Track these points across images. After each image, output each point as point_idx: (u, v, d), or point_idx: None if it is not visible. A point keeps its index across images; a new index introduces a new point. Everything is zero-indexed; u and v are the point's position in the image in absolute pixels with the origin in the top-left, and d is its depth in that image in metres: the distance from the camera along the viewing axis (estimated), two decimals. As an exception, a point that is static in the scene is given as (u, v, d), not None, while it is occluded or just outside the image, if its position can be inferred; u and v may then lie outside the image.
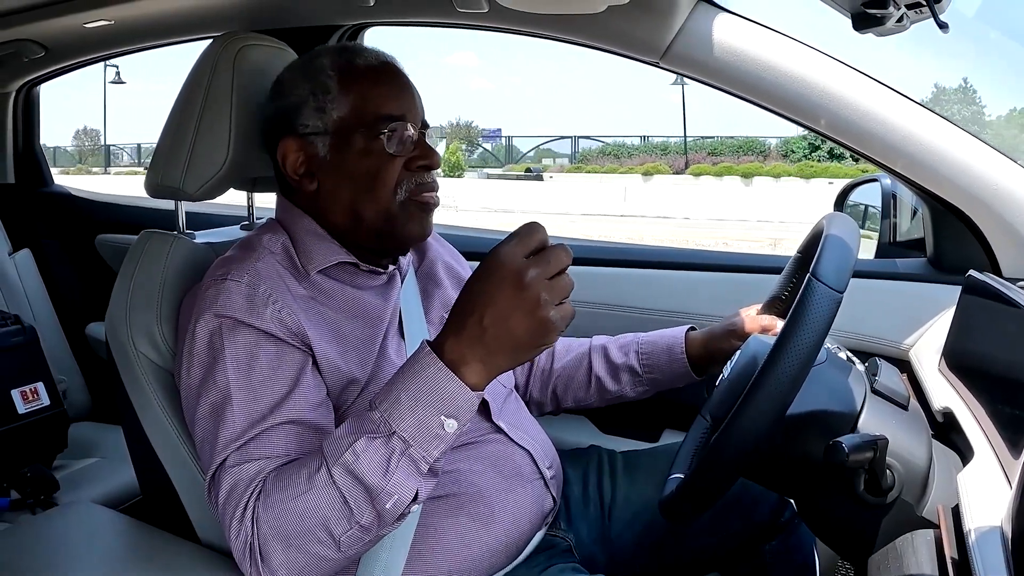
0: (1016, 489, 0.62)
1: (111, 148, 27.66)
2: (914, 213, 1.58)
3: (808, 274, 0.79)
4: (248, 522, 0.82)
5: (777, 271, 1.17)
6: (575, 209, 15.83)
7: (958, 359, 1.07)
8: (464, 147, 26.00)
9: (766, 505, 1.13)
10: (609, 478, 1.18)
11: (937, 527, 0.80)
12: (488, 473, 1.01)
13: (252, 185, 1.26)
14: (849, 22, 1.11)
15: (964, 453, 0.90)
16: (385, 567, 0.91)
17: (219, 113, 1.08)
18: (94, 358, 2.16)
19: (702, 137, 23.30)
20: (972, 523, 0.72)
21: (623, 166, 21.23)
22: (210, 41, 1.13)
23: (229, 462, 0.86)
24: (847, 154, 18.89)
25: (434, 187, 1.01)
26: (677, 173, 20.03)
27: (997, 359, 0.95)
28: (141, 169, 22.31)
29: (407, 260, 1.11)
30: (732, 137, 22.34)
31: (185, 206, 1.18)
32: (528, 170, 22.01)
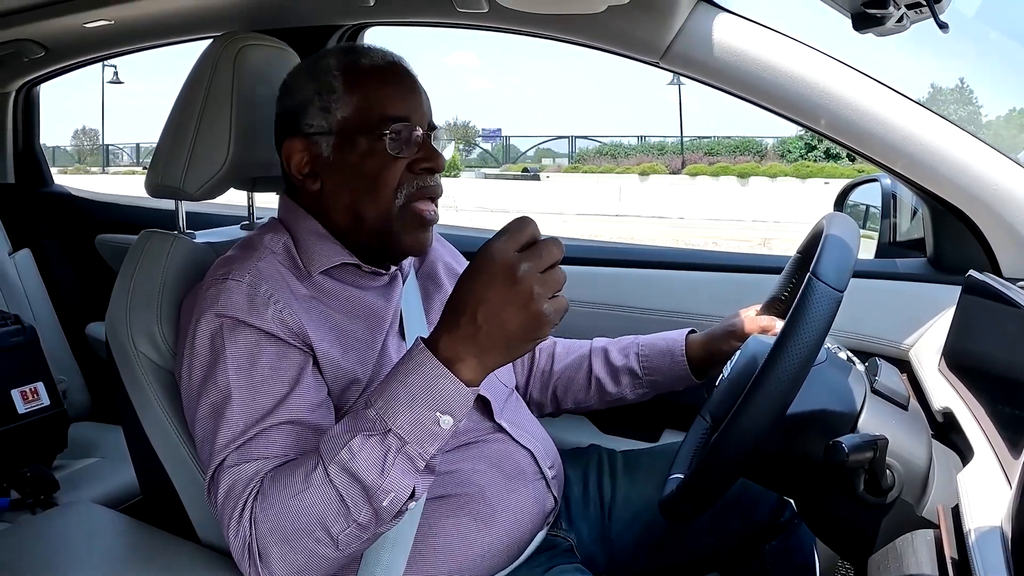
0: (1016, 489, 0.62)
1: (112, 148, 27.68)
2: (914, 213, 1.58)
3: (808, 273, 0.80)
4: (246, 522, 0.82)
5: (777, 271, 1.17)
6: (570, 209, 15.85)
7: (958, 359, 1.07)
8: (461, 147, 26.00)
9: (766, 505, 1.13)
10: (609, 478, 1.18)
11: (937, 527, 0.80)
12: (490, 473, 1.01)
13: (252, 185, 1.26)
14: (849, 22, 1.11)
15: (964, 453, 0.90)
16: (386, 567, 0.91)
17: (219, 113, 1.08)
18: (94, 358, 2.16)
19: (699, 137, 23.35)
20: (972, 523, 0.72)
21: (620, 166, 21.24)
22: (210, 41, 1.13)
23: (228, 462, 0.86)
24: (843, 154, 19.02)
25: (436, 192, 1.00)
26: (673, 173, 20.05)
27: (997, 359, 0.95)
28: (139, 169, 22.33)
29: (409, 261, 1.11)
30: (729, 137, 22.37)
31: (185, 206, 1.18)
32: (525, 170, 21.99)
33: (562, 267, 0.75)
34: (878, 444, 0.78)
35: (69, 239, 2.28)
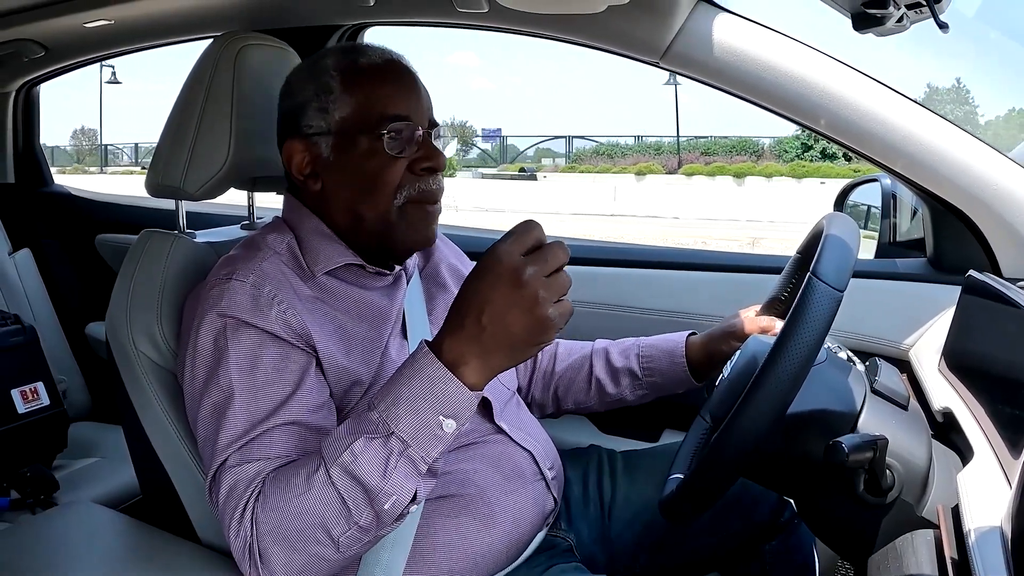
0: (1016, 489, 0.62)
1: (112, 148, 27.69)
2: (914, 213, 1.58)
3: (808, 273, 0.80)
4: (247, 522, 0.82)
5: (777, 271, 1.17)
6: (566, 209, 15.88)
7: (958, 359, 1.07)
8: (459, 147, 26.00)
9: (766, 505, 1.13)
10: (609, 478, 1.18)
11: (937, 527, 0.80)
12: (490, 474, 1.01)
13: (252, 185, 1.26)
14: (849, 22, 1.11)
15: (964, 453, 0.90)
16: (386, 567, 0.91)
17: (219, 113, 1.08)
18: (94, 358, 2.16)
19: (696, 137, 23.38)
20: (972, 523, 0.72)
21: (616, 166, 21.25)
22: (210, 41, 1.13)
23: (230, 462, 0.86)
24: (839, 154, 19.04)
25: (436, 195, 0.99)
26: (670, 173, 20.06)
27: (997, 359, 0.95)
28: (137, 169, 22.34)
29: (413, 261, 1.10)
30: (726, 137, 22.41)
31: (185, 206, 1.18)
32: (522, 170, 22.00)
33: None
34: (878, 444, 0.78)
35: (69, 239, 2.28)
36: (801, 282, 0.83)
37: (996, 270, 1.27)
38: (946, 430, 1.00)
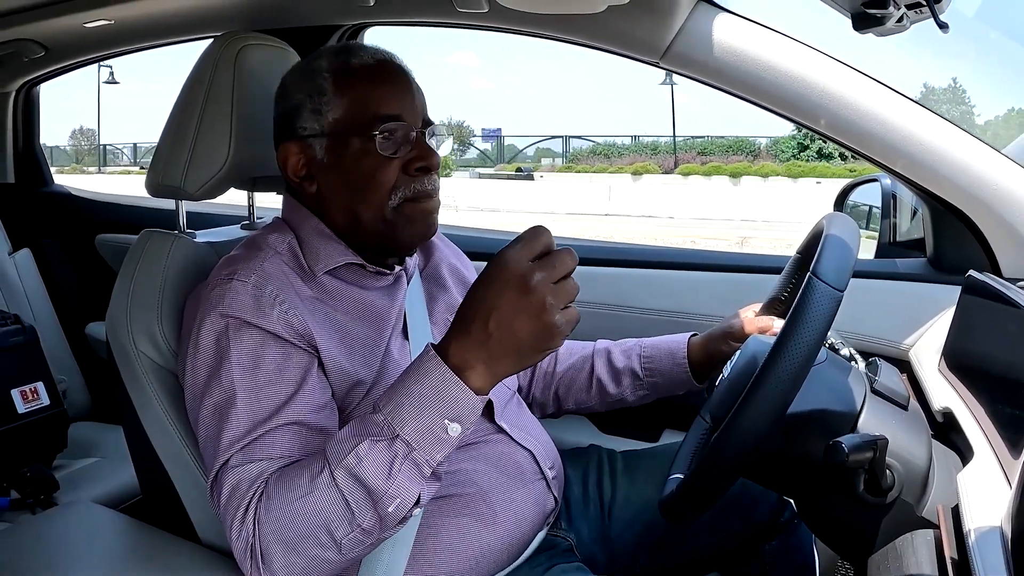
0: (1016, 489, 0.62)
1: (112, 148, 27.67)
2: (914, 213, 1.58)
3: (808, 273, 0.80)
4: (249, 523, 0.82)
5: (777, 271, 1.17)
6: (561, 208, 15.88)
7: (958, 359, 1.07)
8: (456, 147, 26.01)
9: (766, 505, 1.13)
10: (609, 478, 1.18)
11: (937, 527, 0.80)
12: (490, 473, 1.01)
13: (252, 185, 1.26)
14: (849, 22, 1.11)
15: (964, 453, 0.90)
16: (387, 567, 0.91)
17: (220, 113, 1.08)
18: (94, 358, 2.16)
19: (692, 137, 23.39)
20: (972, 523, 0.72)
21: (613, 165, 21.25)
22: (210, 41, 1.13)
23: (232, 462, 0.86)
24: (835, 153, 19.04)
25: (432, 195, 0.99)
26: (666, 172, 20.06)
27: (997, 359, 0.95)
28: (134, 169, 22.36)
29: (413, 261, 1.10)
30: (722, 137, 22.41)
31: (185, 206, 1.18)
32: (519, 169, 21.98)
33: None
34: (878, 444, 0.78)
35: (69, 239, 2.28)
36: (801, 282, 0.83)
37: (996, 270, 1.27)
38: (946, 430, 1.00)
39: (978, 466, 0.82)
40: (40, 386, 1.74)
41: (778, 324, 1.12)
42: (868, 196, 1.83)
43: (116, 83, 25.62)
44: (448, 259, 1.19)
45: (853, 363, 0.99)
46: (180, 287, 1.05)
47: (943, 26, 1.02)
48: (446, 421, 0.75)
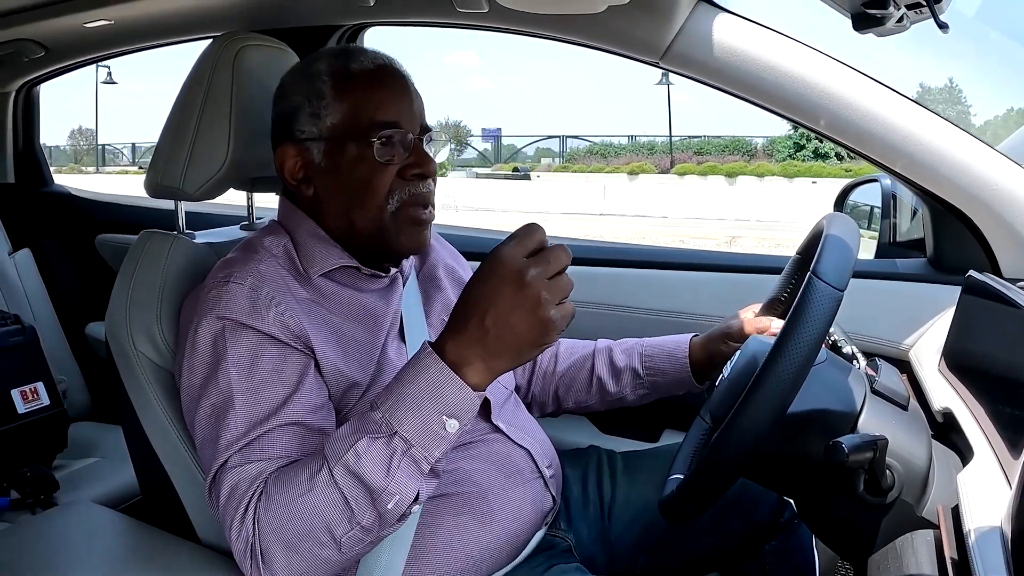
0: (1016, 489, 0.62)
1: (111, 147, 27.66)
2: (914, 213, 1.58)
3: (808, 273, 0.80)
4: (249, 523, 0.82)
5: (777, 271, 1.17)
6: (555, 208, 15.88)
7: (958, 359, 1.07)
8: (453, 147, 25.99)
9: (766, 505, 1.13)
10: (609, 478, 1.18)
11: (937, 527, 0.80)
12: (488, 472, 1.01)
13: (252, 185, 1.26)
14: (849, 22, 1.11)
15: (964, 453, 0.90)
16: (385, 566, 0.91)
17: (219, 113, 1.08)
18: (94, 358, 2.16)
19: (689, 137, 23.40)
20: (972, 523, 0.72)
21: (610, 165, 21.26)
22: (210, 41, 1.13)
23: (231, 463, 0.86)
24: (831, 153, 19.05)
25: (428, 199, 0.99)
26: (662, 172, 20.07)
27: (997, 359, 0.95)
28: (132, 169, 22.38)
29: (409, 263, 1.11)
30: (719, 137, 22.43)
31: (185, 206, 1.18)
32: (516, 169, 21.98)
33: None
34: (878, 444, 0.78)
35: (69, 239, 2.28)
36: (801, 282, 0.83)
37: (996, 270, 1.27)
38: (946, 430, 1.00)
39: (978, 466, 0.82)
40: (40, 386, 1.74)
41: (777, 324, 1.12)
42: (868, 196, 1.83)
43: (114, 83, 25.61)
44: (444, 260, 1.19)
45: (855, 361, 0.99)
46: (179, 288, 1.05)
47: (943, 26, 1.02)
48: (444, 418, 0.76)
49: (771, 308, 1.16)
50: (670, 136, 22.94)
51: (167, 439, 1.05)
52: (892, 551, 0.81)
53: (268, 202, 1.38)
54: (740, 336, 1.13)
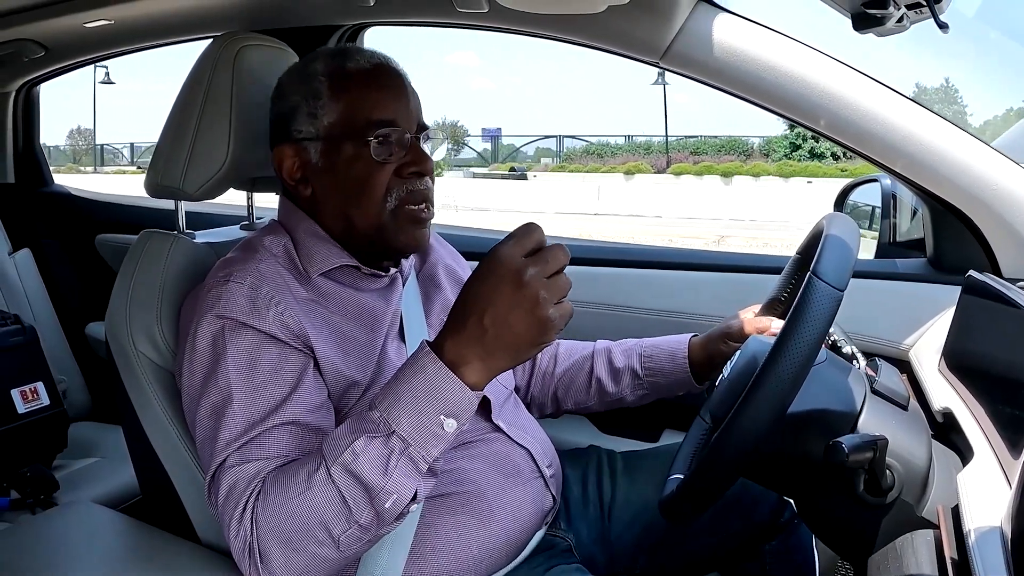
0: (1016, 489, 0.62)
1: (111, 147, 27.67)
2: (914, 213, 1.58)
3: (808, 272, 0.80)
4: (247, 522, 0.82)
5: (777, 271, 1.17)
6: (550, 208, 15.87)
7: (958, 359, 1.07)
8: (450, 146, 26.00)
9: (766, 505, 1.13)
10: (609, 478, 1.18)
11: (937, 527, 0.80)
12: (488, 472, 1.01)
13: (252, 185, 1.26)
14: (849, 22, 1.11)
15: (964, 453, 0.90)
16: (385, 566, 0.91)
17: (219, 113, 1.08)
18: (94, 358, 2.16)
19: (685, 136, 23.46)
20: (972, 523, 0.72)
21: (606, 165, 21.27)
22: (210, 41, 1.13)
23: (229, 462, 0.86)
24: (827, 153, 19.04)
25: (426, 196, 0.99)
26: (658, 172, 20.08)
27: (997, 359, 0.95)
28: (130, 168, 22.40)
29: (409, 263, 1.11)
30: (715, 136, 22.48)
31: (185, 206, 1.18)
32: (512, 169, 22.01)
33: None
34: (878, 444, 0.78)
35: (69, 239, 2.28)
36: (801, 282, 0.83)
37: (996, 270, 1.27)
38: (946, 430, 1.00)
39: (978, 466, 0.82)
40: (40, 386, 1.74)
41: (777, 324, 1.12)
42: (868, 196, 1.83)
43: (111, 83, 25.59)
44: (444, 260, 1.19)
45: (855, 361, 0.99)
46: (179, 287, 1.05)
47: (943, 26, 1.02)
48: (442, 417, 0.76)
49: (771, 308, 1.16)
50: (666, 136, 23.01)
51: (167, 439, 1.05)
52: (892, 551, 0.81)
53: (268, 202, 1.38)
54: (740, 336, 1.13)
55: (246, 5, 1.63)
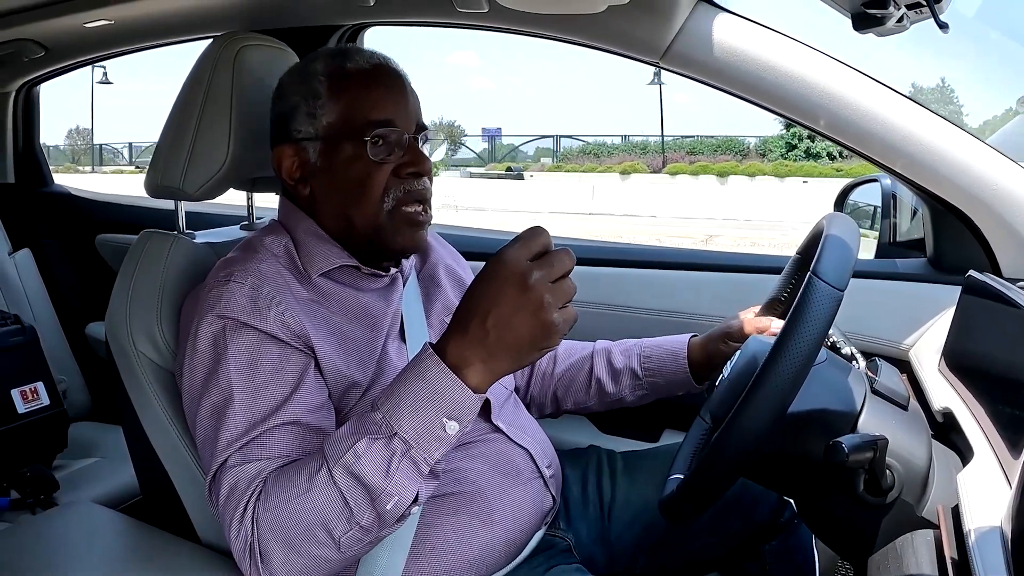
0: (1016, 489, 0.62)
1: (110, 147, 27.66)
2: (914, 213, 1.58)
3: (809, 272, 0.80)
4: (248, 522, 0.82)
5: (777, 271, 1.17)
6: (544, 208, 15.85)
7: (958, 359, 1.07)
8: (449, 146, 26.01)
9: (766, 505, 1.13)
10: (609, 479, 1.18)
11: (937, 527, 0.80)
12: (487, 472, 1.01)
13: (252, 185, 1.26)
14: (849, 22, 1.11)
15: (964, 453, 0.90)
16: (385, 566, 0.91)
17: (219, 113, 1.08)
18: (94, 358, 2.16)
19: (681, 136, 23.44)
20: (972, 523, 0.72)
21: (602, 165, 21.26)
22: (210, 41, 1.13)
23: (230, 462, 0.86)
24: (823, 153, 19.03)
25: (424, 196, 1.00)
26: (654, 172, 20.07)
27: (997, 359, 0.95)
28: (128, 168, 22.41)
29: (409, 263, 1.11)
30: (712, 136, 22.47)
31: (185, 206, 1.18)
32: (509, 169, 22.01)
33: None
34: (878, 444, 0.78)
35: (69, 239, 2.28)
36: (801, 282, 0.83)
37: (996, 270, 1.27)
38: (946, 430, 1.00)
39: (978, 466, 0.82)
40: (40, 386, 1.74)
41: (777, 324, 1.12)
42: (868, 196, 1.83)
43: (109, 83, 25.59)
44: (444, 260, 1.19)
45: (854, 362, 0.99)
46: (179, 288, 1.06)
47: (943, 26, 1.02)
48: (444, 419, 0.76)
49: (771, 308, 1.16)
50: (662, 136, 23.02)
51: (167, 439, 1.05)
52: (892, 551, 0.81)
53: (268, 202, 1.38)
54: (740, 336, 1.13)
55: (246, 5, 1.63)
